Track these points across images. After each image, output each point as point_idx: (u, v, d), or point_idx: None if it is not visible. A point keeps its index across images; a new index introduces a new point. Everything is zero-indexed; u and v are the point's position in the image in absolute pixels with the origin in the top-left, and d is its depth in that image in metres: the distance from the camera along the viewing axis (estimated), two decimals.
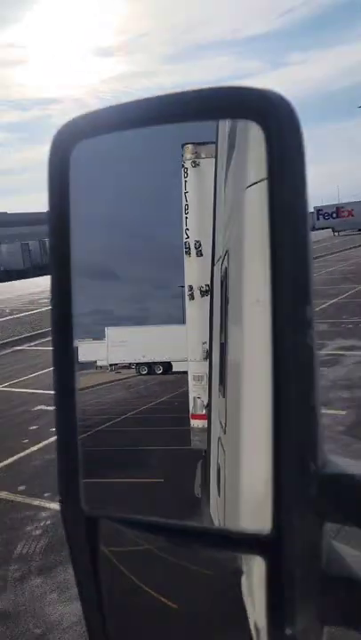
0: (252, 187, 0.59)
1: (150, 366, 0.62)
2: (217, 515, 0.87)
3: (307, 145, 0.44)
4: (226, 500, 0.74)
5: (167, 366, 0.86)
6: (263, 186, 0.47)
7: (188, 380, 1.05)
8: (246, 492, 0.55)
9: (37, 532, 5.34)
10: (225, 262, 0.89)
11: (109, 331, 0.60)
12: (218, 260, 0.97)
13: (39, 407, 9.46)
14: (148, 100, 0.49)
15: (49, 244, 0.51)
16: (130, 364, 0.66)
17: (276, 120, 0.43)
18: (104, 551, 0.54)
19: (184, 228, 1.02)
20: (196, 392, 0.98)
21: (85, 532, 0.53)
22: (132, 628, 0.61)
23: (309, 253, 0.43)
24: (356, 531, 0.44)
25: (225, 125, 0.78)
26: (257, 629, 0.50)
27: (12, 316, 20.70)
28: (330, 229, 58.02)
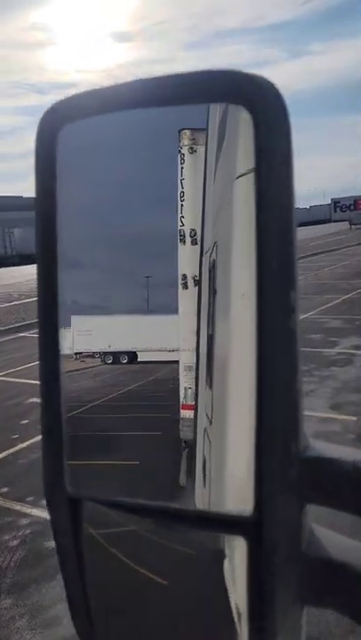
0: (241, 178, 0.59)
1: (115, 356, 0.62)
2: (202, 505, 0.87)
3: (304, 135, 0.44)
4: (210, 489, 0.75)
5: (132, 356, 0.86)
6: (251, 177, 0.47)
7: (178, 370, 1.05)
8: (230, 478, 0.56)
9: (14, 542, 5.00)
10: (213, 254, 0.89)
11: (75, 319, 0.59)
12: (206, 252, 0.97)
13: (32, 400, 8.85)
14: (135, 83, 0.49)
15: (35, 230, 0.51)
16: (94, 352, 0.66)
17: (263, 104, 0.43)
18: (88, 533, 0.55)
19: (179, 215, 1.01)
20: (187, 382, 0.98)
21: (69, 514, 0.53)
22: (115, 610, 0.62)
23: (294, 241, 0.44)
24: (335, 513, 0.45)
25: (216, 114, 0.77)
26: (238, 612, 0.50)
27: (19, 301, 20.40)
28: (346, 222, 57.57)
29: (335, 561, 0.46)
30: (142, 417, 0.86)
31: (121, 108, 0.50)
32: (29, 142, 0.52)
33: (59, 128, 0.50)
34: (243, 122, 0.49)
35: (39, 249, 0.52)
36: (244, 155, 0.63)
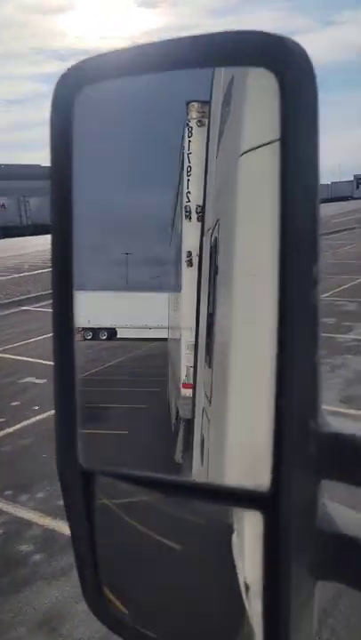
0: (248, 154, 0.57)
1: (95, 332, 0.61)
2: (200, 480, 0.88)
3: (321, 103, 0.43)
4: (211, 466, 0.75)
5: (112, 332, 0.87)
6: (264, 151, 0.45)
7: (180, 349, 1.05)
8: (239, 453, 0.56)
9: None
10: (215, 232, 0.87)
11: None
12: (208, 230, 0.95)
13: (28, 379, 8.28)
14: (154, 45, 0.47)
15: (50, 197, 0.50)
16: None
17: (293, 67, 0.41)
18: (100, 505, 0.55)
19: (185, 191, 1.00)
20: (189, 361, 0.98)
21: (82, 487, 0.53)
22: (125, 584, 0.63)
23: (318, 214, 0.43)
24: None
25: (220, 87, 0.75)
26: (247, 586, 0.51)
27: (29, 273, 19.21)
28: None
29: (348, 536, 0.46)
30: (126, 391, 0.86)
31: (139, 72, 0.48)
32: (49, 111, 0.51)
33: (75, 93, 0.49)
34: (256, 89, 0.46)
35: (54, 219, 0.50)
36: (252, 129, 0.60)
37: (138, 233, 0.68)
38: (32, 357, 9.23)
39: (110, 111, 0.58)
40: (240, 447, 0.56)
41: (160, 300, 0.84)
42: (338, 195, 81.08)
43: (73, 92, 0.49)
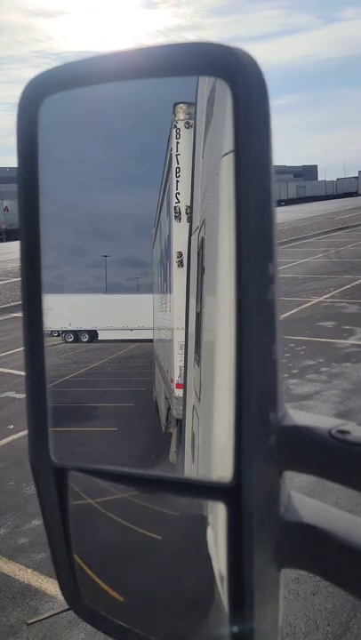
0: (228, 155, 0.58)
1: (76, 334, 0.61)
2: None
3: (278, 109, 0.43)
4: (199, 463, 0.76)
5: (93, 334, 0.88)
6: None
7: (171, 348, 1.05)
8: (214, 448, 0.58)
9: None
10: (202, 232, 0.88)
11: None
12: (195, 230, 0.95)
13: (7, 394, 7.59)
14: (115, 55, 0.48)
15: (18, 205, 0.51)
16: (54, 331, 0.66)
17: (242, 76, 0.43)
18: (73, 502, 0.56)
19: (174, 192, 1.01)
20: (182, 361, 0.98)
21: (54, 483, 0.54)
22: (100, 576, 0.63)
23: (273, 216, 0.44)
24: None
25: (204, 89, 0.76)
26: (221, 578, 0.52)
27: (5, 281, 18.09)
28: None
29: (311, 525, 0.47)
30: (112, 391, 0.88)
31: (101, 81, 0.50)
32: None
33: (39, 102, 0.50)
34: (228, 96, 0.48)
35: (22, 226, 0.52)
36: (230, 132, 0.61)
37: (112, 235, 0.70)
38: (16, 369, 8.34)
39: (75, 118, 0.59)
40: (217, 442, 0.57)
41: (140, 301, 0.86)
42: (343, 191, 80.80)
43: (37, 101, 0.50)
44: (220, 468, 0.47)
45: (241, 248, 0.44)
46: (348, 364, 8.21)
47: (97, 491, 0.58)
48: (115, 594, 0.62)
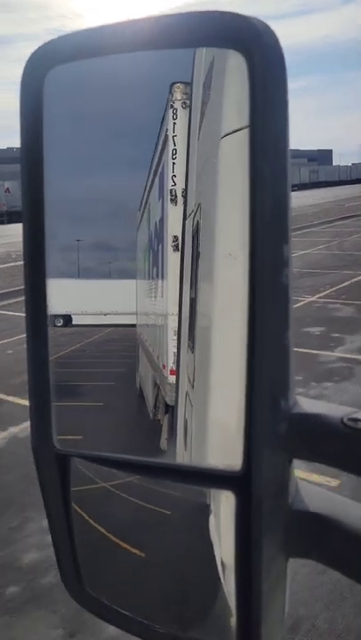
0: (228, 137, 0.57)
1: (50, 318, 0.61)
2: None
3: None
4: (194, 448, 0.76)
5: (67, 319, 0.88)
6: (241, 135, 0.45)
7: (164, 335, 1.04)
8: (217, 435, 0.57)
9: None
10: (197, 216, 0.86)
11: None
12: (190, 214, 0.94)
13: None
14: (122, 24, 0.47)
15: (21, 182, 0.50)
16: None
17: (262, 49, 0.41)
18: (76, 489, 0.55)
19: (170, 174, 0.98)
20: (176, 347, 0.97)
21: (57, 470, 0.54)
22: (103, 565, 0.63)
23: (288, 195, 0.43)
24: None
25: (201, 68, 0.74)
26: (223, 566, 0.51)
27: (15, 263, 16.85)
28: None
29: (320, 514, 0.47)
30: (93, 371, 0.88)
31: (107, 52, 0.48)
32: None
33: (45, 72, 0.48)
34: (234, 71, 0.46)
35: (26, 202, 0.50)
36: (231, 112, 0.60)
37: (87, 218, 0.68)
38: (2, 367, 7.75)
39: (81, 91, 0.57)
40: (220, 429, 0.56)
41: (114, 286, 0.87)
42: (359, 176, 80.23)
43: (43, 72, 0.48)
44: (229, 455, 0.46)
45: (255, 229, 0.42)
46: (329, 383, 6.85)
47: (100, 478, 0.57)
48: (117, 584, 0.62)
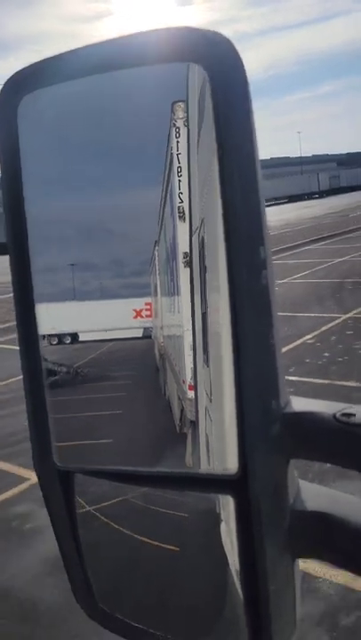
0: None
1: (59, 337, 0.65)
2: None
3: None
4: (208, 458, 0.76)
5: (74, 336, 0.93)
6: None
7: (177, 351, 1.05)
8: (221, 442, 0.57)
9: None
10: (202, 231, 0.87)
11: None
12: (195, 230, 0.95)
13: None
14: (87, 48, 0.48)
15: (3, 205, 0.51)
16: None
17: (217, 61, 0.42)
18: (81, 504, 0.56)
19: (176, 191, 1.00)
20: (192, 362, 0.98)
21: (60, 486, 0.54)
22: (115, 580, 0.64)
23: (261, 198, 0.44)
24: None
25: (195, 84, 0.75)
26: (237, 572, 0.51)
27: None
28: None
29: (323, 513, 0.46)
30: (110, 374, 0.92)
31: (76, 75, 0.49)
32: None
33: (18, 100, 0.50)
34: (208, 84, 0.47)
35: (9, 230, 0.52)
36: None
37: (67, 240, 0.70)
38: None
39: (58, 115, 0.58)
40: (229, 434, 0.56)
41: (113, 306, 0.90)
42: None
43: (16, 100, 0.50)
44: (226, 460, 0.46)
45: (229, 233, 0.43)
46: None
47: (104, 493, 0.58)
48: (130, 598, 0.61)
